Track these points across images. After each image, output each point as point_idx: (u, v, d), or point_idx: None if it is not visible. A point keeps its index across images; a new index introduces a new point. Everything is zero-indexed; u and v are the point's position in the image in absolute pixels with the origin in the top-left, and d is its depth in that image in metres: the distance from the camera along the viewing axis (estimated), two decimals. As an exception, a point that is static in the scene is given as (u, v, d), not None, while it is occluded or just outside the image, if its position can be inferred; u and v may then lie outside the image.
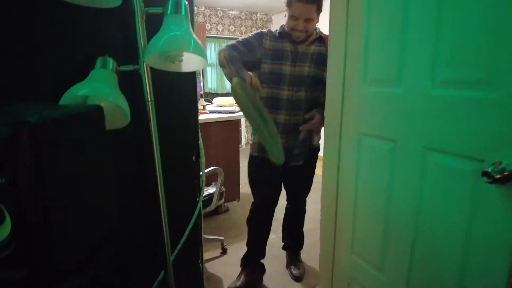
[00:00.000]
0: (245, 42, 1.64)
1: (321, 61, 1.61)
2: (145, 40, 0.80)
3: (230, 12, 5.43)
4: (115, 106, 0.75)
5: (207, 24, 5.23)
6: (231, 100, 3.11)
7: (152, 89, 0.82)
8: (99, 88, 0.72)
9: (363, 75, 1.40)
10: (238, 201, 3.07)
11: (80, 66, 0.79)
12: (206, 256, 2.30)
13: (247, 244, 1.98)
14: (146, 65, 0.80)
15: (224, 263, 2.22)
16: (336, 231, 1.64)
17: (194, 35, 0.76)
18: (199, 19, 5.15)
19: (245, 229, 2.04)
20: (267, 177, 1.83)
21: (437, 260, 1.15)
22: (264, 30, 1.69)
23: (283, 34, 1.64)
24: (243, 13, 5.55)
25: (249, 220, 1.97)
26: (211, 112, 3.13)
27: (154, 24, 0.81)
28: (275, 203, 1.92)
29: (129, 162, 0.95)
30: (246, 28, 5.64)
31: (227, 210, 3.05)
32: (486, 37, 0.93)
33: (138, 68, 0.81)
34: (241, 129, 5.32)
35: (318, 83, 1.65)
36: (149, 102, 0.82)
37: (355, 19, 1.43)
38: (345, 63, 1.49)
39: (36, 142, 0.47)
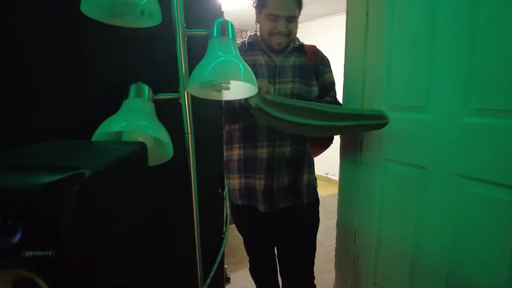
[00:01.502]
0: None
1: (306, 74, 1.31)
2: (186, 65, 0.70)
3: (220, 29, 5.41)
4: (154, 140, 0.65)
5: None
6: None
7: (192, 119, 0.73)
8: (138, 122, 0.62)
9: (385, 100, 1.36)
10: (236, 224, 2.93)
11: (110, 94, 0.69)
12: (208, 287, 2.15)
13: None
14: (187, 94, 0.71)
15: (229, 294, 2.08)
16: (356, 261, 1.56)
17: (243, 61, 0.68)
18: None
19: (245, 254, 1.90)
20: (259, 235, 1.48)
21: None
22: None
23: (254, 44, 1.30)
24: (233, 31, 5.55)
25: (251, 272, 1.65)
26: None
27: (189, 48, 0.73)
28: (273, 263, 1.58)
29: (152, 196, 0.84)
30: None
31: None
32: None
33: (178, 97, 0.71)
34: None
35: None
36: (188, 135, 0.72)
37: (374, 41, 1.39)
38: (363, 87, 1.45)
39: (90, 202, 0.37)
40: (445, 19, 1.09)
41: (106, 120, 0.61)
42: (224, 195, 1.04)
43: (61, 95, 0.67)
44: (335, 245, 1.69)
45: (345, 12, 1.53)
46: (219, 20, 0.69)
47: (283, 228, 1.42)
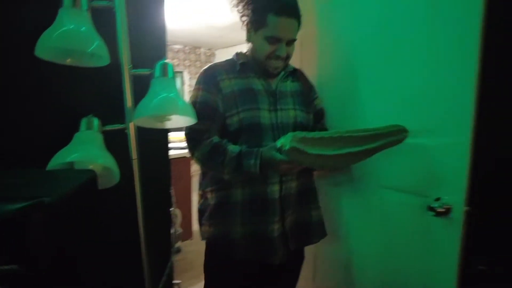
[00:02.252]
0: (204, 109, 1.03)
1: (304, 101, 1.21)
2: (132, 100, 0.82)
3: (174, 46, 5.48)
4: (104, 167, 0.75)
5: (150, 58, 5.18)
6: (181, 135, 3.05)
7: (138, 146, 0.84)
8: (89, 152, 0.72)
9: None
10: (192, 239, 2.98)
11: (63, 125, 0.77)
12: (163, 302, 2.18)
13: None
14: (133, 125, 0.82)
15: (183, 309, 2.13)
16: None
17: (181, 97, 0.81)
18: (142, 52, 5.10)
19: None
20: None
21: (397, 279, 1.25)
22: (210, 66, 1.14)
23: (248, 65, 1.13)
24: (187, 47, 5.64)
25: None
26: (161, 148, 3.06)
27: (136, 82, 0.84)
28: None
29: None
30: (190, 61, 5.72)
31: (178, 250, 2.93)
32: (426, 96, 1.10)
33: (125, 127, 0.82)
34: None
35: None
36: (134, 161, 0.83)
37: (309, 67, 1.57)
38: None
39: (51, 223, 0.47)
40: (365, 47, 1.27)
41: (60, 152, 0.70)
42: (171, 212, 1.14)
43: (17, 127, 0.75)
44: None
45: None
46: (161, 62, 0.82)
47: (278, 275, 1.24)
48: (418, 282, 1.18)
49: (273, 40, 1.04)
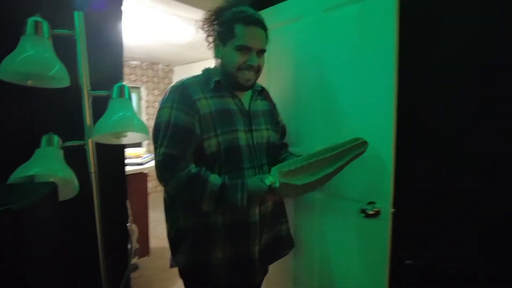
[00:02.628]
0: (179, 132, 0.97)
1: (273, 120, 1.23)
2: (91, 118, 0.89)
3: (131, 62, 5.46)
4: (64, 180, 0.81)
5: (106, 74, 5.10)
6: (137, 151, 3.07)
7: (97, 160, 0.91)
8: (50, 166, 0.78)
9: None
10: (149, 256, 2.96)
11: (24, 142, 0.83)
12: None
13: None
14: (91, 141, 0.89)
15: (141, 325, 2.12)
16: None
17: (137, 116, 0.90)
18: (97, 68, 5.01)
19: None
20: None
21: (339, 276, 1.39)
22: (184, 83, 1.04)
23: (222, 83, 1.09)
24: (144, 64, 5.63)
25: None
26: (118, 165, 3.04)
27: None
28: None
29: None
30: (148, 77, 5.70)
31: (136, 268, 2.90)
32: (359, 118, 1.25)
33: (84, 143, 0.89)
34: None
35: (278, 152, 1.24)
36: (93, 174, 0.90)
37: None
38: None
39: (19, 228, 0.53)
40: (308, 73, 1.43)
41: (21, 166, 0.76)
42: (128, 228, 1.20)
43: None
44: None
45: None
46: (118, 84, 0.91)
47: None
48: (358, 280, 1.33)
49: (243, 49, 1.03)
